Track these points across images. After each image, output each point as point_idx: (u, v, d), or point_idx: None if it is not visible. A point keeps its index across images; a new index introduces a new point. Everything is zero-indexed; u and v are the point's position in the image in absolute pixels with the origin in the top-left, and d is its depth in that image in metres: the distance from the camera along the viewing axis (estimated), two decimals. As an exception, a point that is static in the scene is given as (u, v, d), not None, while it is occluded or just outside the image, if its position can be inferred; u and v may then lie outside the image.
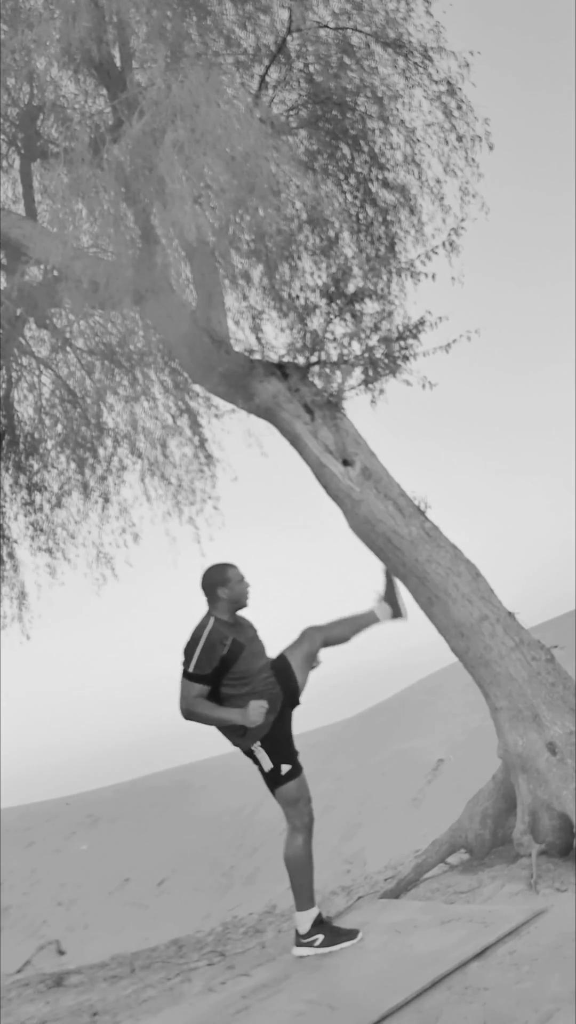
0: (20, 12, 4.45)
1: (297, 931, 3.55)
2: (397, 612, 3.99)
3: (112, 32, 4.85)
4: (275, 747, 3.55)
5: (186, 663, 3.45)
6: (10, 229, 4.92)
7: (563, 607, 14.72)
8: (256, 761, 3.57)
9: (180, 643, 3.53)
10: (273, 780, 3.53)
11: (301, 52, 5.28)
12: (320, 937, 3.47)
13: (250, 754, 3.57)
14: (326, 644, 3.82)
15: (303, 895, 3.54)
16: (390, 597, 4.00)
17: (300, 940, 3.52)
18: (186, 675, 3.44)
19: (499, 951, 2.91)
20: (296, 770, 3.56)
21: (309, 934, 3.49)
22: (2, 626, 6.64)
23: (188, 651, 3.47)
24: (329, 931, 3.49)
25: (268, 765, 3.53)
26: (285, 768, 3.53)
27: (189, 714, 3.46)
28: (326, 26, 5.14)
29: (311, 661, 3.76)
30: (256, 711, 3.42)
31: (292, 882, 3.55)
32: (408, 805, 9.09)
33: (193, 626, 3.56)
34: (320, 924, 3.51)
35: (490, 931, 3.07)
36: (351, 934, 3.46)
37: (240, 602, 3.65)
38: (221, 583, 3.60)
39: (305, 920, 3.52)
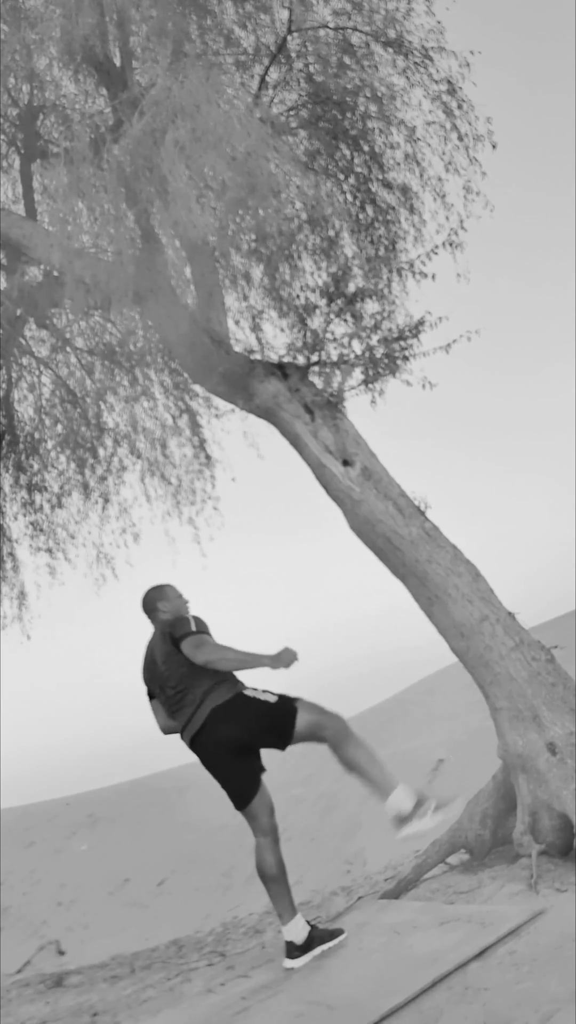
0: (21, 11, 4.45)
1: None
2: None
3: (113, 31, 4.86)
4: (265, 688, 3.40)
5: (185, 628, 3.34)
6: (10, 229, 4.92)
7: (563, 607, 14.75)
8: (257, 711, 3.28)
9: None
10: (290, 703, 3.27)
11: (301, 52, 5.28)
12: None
13: (244, 712, 3.28)
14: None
15: (381, 776, 3.23)
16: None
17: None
18: (193, 635, 3.31)
19: (499, 951, 2.90)
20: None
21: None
22: (2, 626, 6.65)
23: (180, 623, 3.41)
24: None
25: (273, 697, 3.31)
26: (293, 693, 3.32)
27: (214, 659, 3.22)
28: (326, 26, 5.14)
29: None
30: (290, 654, 3.27)
31: (368, 763, 3.22)
32: (408, 805, 9.07)
33: (164, 624, 3.51)
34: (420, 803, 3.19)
35: (489, 932, 3.07)
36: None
37: (182, 612, 3.64)
38: (159, 599, 3.64)
39: (405, 797, 3.16)
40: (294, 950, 3.36)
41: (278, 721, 3.27)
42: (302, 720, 3.26)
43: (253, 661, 3.26)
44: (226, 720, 3.30)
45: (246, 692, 3.34)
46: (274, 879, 3.40)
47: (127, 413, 6.66)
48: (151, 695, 3.63)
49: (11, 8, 4.49)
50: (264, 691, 3.37)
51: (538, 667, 4.19)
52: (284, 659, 3.26)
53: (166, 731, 3.62)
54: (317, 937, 3.40)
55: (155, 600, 3.66)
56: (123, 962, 4.58)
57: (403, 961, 3.05)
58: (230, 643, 3.33)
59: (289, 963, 3.35)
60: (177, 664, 3.39)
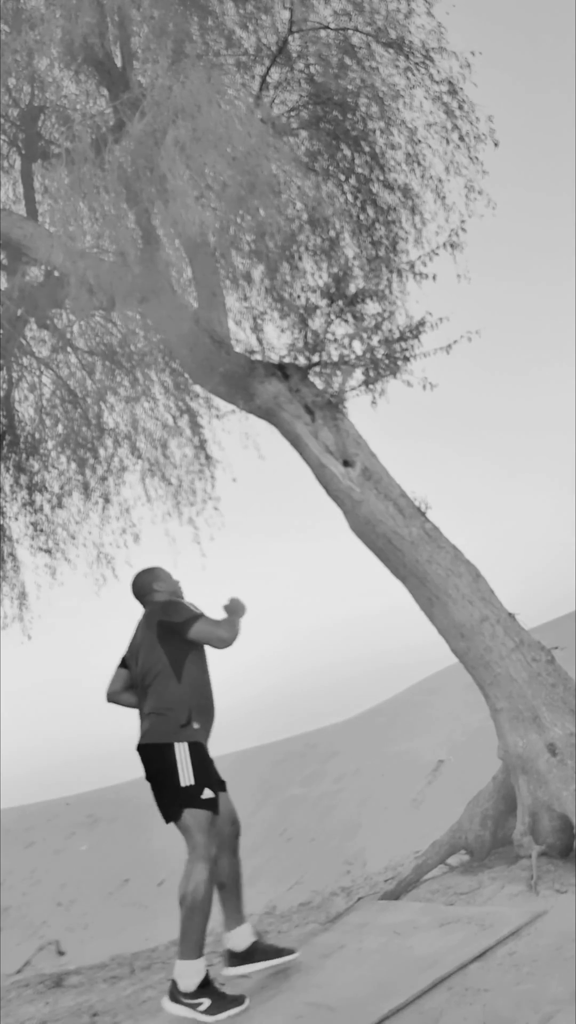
0: (22, 12, 4.45)
1: (176, 984, 3.03)
2: None
3: (114, 32, 4.86)
4: (200, 759, 3.21)
5: (186, 612, 3.34)
6: (11, 229, 4.93)
7: (563, 608, 14.71)
8: (165, 772, 3.16)
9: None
10: (186, 799, 3.12)
11: (302, 52, 5.29)
12: (206, 1002, 2.98)
13: (160, 761, 3.19)
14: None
15: (193, 941, 3.04)
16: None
17: (181, 998, 3.00)
18: (198, 618, 3.33)
19: (499, 952, 2.90)
20: (216, 800, 3.19)
21: (195, 995, 3.00)
22: (3, 626, 6.65)
23: (179, 608, 3.39)
24: (216, 996, 3.02)
25: (188, 779, 3.14)
26: (208, 793, 3.16)
27: (235, 634, 3.36)
28: (327, 26, 5.14)
29: None
30: (239, 603, 3.42)
31: (185, 924, 3.05)
32: (408, 806, 9.08)
33: (156, 607, 3.48)
34: (206, 987, 3.03)
35: (489, 933, 3.07)
36: (238, 1000, 3.02)
37: (178, 594, 3.62)
38: (153, 580, 3.60)
39: (191, 973, 3.02)
40: (233, 958, 3.27)
41: (169, 801, 3.19)
42: (182, 824, 3.16)
43: (239, 620, 3.43)
44: (145, 760, 3.29)
45: (176, 747, 3.19)
46: (221, 885, 3.30)
47: (128, 413, 6.67)
48: (123, 664, 3.55)
49: (12, 9, 4.49)
50: (198, 765, 3.18)
51: (538, 668, 4.19)
52: (241, 608, 3.44)
53: (110, 699, 3.55)
54: (261, 951, 3.28)
55: (150, 582, 3.59)
56: (123, 962, 4.58)
57: (403, 962, 3.05)
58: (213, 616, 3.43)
59: (228, 971, 3.24)
60: (154, 659, 3.31)
